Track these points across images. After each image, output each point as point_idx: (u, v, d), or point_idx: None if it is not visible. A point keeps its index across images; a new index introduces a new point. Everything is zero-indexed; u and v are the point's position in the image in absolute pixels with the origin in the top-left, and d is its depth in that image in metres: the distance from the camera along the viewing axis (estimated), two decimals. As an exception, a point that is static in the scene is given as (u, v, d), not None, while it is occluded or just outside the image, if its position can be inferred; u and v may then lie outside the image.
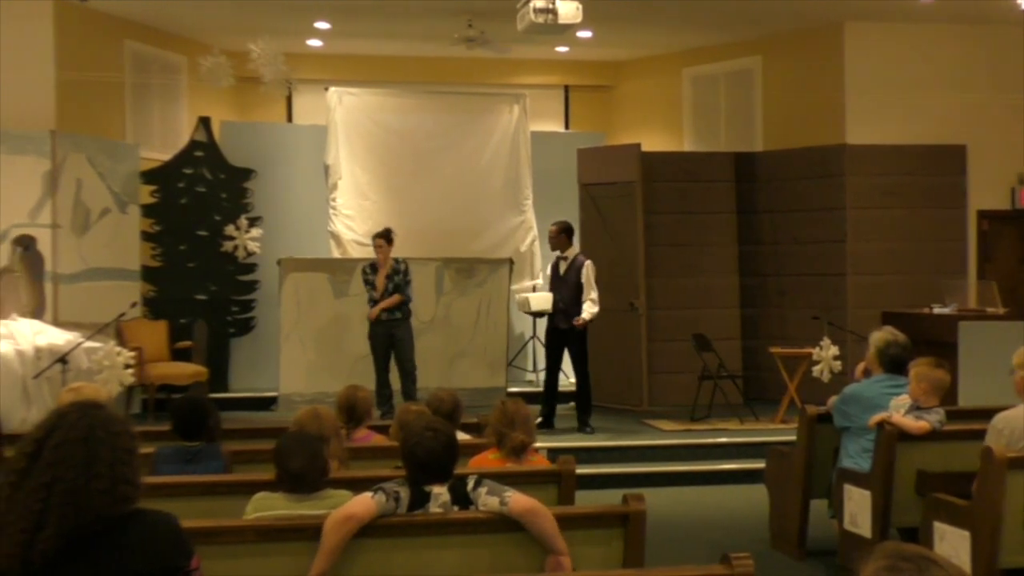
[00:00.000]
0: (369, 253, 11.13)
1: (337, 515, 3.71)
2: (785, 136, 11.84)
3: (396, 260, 9.96)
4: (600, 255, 11.30)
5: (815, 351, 9.75)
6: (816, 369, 9.64)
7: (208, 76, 10.73)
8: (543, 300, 10.52)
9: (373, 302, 9.90)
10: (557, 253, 9.95)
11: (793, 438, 6.89)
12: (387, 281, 9.86)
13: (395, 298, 9.85)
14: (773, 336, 11.58)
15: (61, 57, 10.28)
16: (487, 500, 3.81)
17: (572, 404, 10.06)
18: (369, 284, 9.95)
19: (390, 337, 9.88)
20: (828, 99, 11.42)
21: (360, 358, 10.70)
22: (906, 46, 11.37)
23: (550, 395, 9.93)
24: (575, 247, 9.98)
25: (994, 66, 11.33)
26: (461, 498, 3.83)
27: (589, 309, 9.63)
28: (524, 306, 11.60)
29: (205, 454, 5.14)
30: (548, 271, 10.19)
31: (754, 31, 11.88)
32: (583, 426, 9.84)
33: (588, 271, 9.68)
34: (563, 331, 9.79)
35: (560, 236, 9.88)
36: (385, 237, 9.92)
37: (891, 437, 5.87)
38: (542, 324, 10.90)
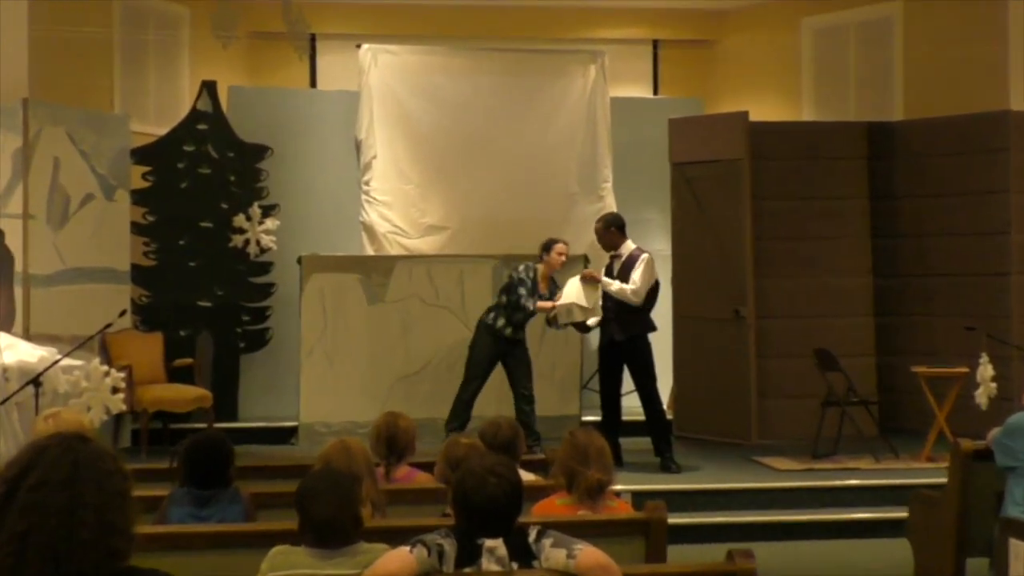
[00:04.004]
0: (410, 249, 11.22)
1: (368, 575, 3.73)
2: (932, 102, 11.71)
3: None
4: (697, 251, 11.32)
5: (979, 370, 9.61)
6: (978, 394, 9.53)
7: (217, 28, 10.81)
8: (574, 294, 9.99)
9: (524, 318, 10.15)
10: (611, 253, 10.02)
11: (943, 480, 6.86)
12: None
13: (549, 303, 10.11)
14: (917, 352, 11.44)
15: (36, 10, 10.41)
16: (552, 553, 3.79)
17: (649, 438, 10.01)
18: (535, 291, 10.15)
19: (503, 355, 10.16)
20: (987, 54, 11.28)
21: (400, 378, 10.76)
22: (1086, -14, 11.22)
23: (611, 425, 9.75)
24: (629, 243, 9.98)
25: None
26: (521, 552, 3.81)
27: (620, 284, 9.69)
28: (568, 316, 10.16)
29: (223, 497, 5.18)
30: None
31: (893, -31, 11.80)
32: (666, 464, 9.81)
33: (643, 263, 9.75)
34: (618, 344, 9.83)
35: (608, 232, 9.98)
36: None
37: (1069, 480, 5.80)
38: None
